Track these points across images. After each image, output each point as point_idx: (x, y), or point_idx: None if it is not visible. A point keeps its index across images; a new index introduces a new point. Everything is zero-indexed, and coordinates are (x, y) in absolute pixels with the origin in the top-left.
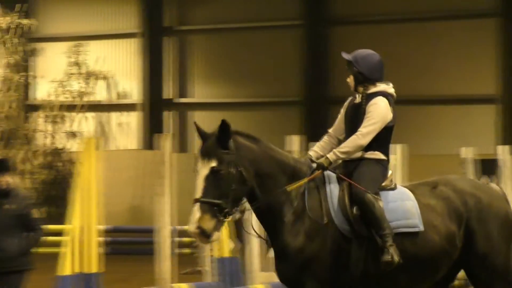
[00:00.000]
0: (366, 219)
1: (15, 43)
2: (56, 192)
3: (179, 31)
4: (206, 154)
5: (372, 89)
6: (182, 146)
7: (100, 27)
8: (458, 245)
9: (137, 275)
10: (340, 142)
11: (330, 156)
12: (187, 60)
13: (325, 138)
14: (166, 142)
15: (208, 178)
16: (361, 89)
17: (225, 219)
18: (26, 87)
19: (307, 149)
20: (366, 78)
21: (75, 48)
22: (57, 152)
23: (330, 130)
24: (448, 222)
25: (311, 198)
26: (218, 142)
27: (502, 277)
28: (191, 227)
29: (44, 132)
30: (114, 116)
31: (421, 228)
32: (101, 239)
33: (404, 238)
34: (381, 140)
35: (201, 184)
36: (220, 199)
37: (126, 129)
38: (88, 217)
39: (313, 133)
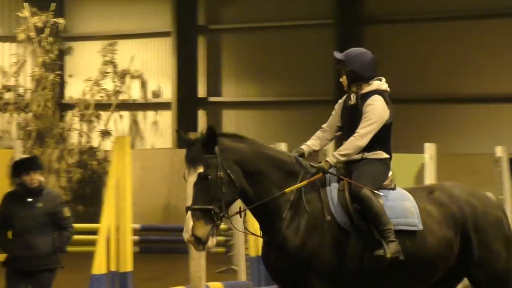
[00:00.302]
0: (365, 215)
1: (48, 42)
2: (90, 191)
3: (211, 30)
4: (192, 160)
5: (366, 88)
6: None
7: (132, 26)
8: (455, 251)
9: (170, 274)
10: (333, 138)
11: (331, 159)
12: (219, 59)
13: (319, 133)
14: None
15: (197, 185)
16: (354, 88)
17: (220, 223)
18: (60, 86)
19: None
20: (359, 77)
21: (108, 47)
22: (91, 151)
23: (324, 126)
24: (445, 228)
25: (310, 194)
26: (203, 148)
27: (505, 282)
28: (186, 235)
29: (79, 131)
30: (147, 115)
31: (420, 227)
32: (134, 237)
33: (403, 236)
34: (382, 139)
35: (190, 191)
36: (211, 204)
37: (159, 128)
38: (122, 215)
39: None
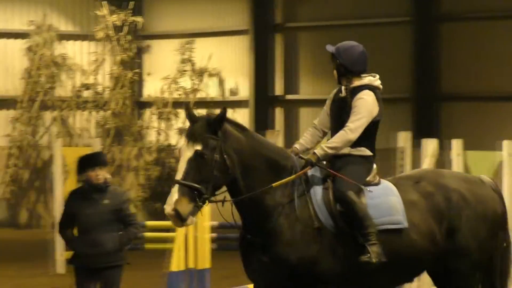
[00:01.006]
0: (349, 217)
1: (126, 40)
2: (168, 189)
3: (287, 28)
4: (192, 136)
5: (357, 82)
6: (289, 142)
7: (209, 24)
8: (440, 242)
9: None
10: (325, 134)
11: (318, 151)
12: (295, 57)
13: (310, 129)
14: (277, 139)
15: (191, 161)
16: (344, 81)
17: (203, 205)
18: (138, 84)
19: (415, 145)
20: (348, 71)
21: (186, 45)
22: (169, 149)
23: (315, 122)
24: (429, 219)
25: (300, 197)
26: (207, 126)
27: (485, 273)
28: (167, 208)
29: (157, 129)
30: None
31: (405, 224)
32: (212, 235)
33: (388, 234)
34: (367, 135)
35: (183, 166)
36: (200, 183)
37: None
38: (199, 213)
39: (422, 130)
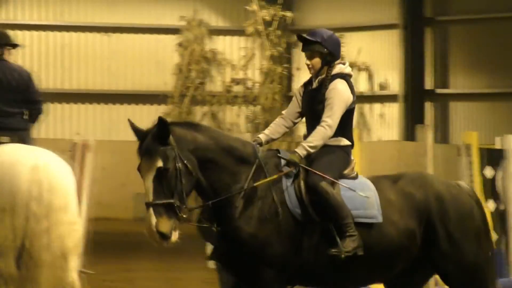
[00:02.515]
0: (322, 209)
1: (276, 35)
2: None
3: (440, 21)
4: (148, 153)
5: (333, 71)
6: (443, 137)
7: (359, 18)
8: (418, 242)
9: None
10: (292, 125)
11: (300, 151)
12: (448, 50)
13: (277, 120)
14: (428, 133)
15: (156, 179)
16: (325, 70)
17: (181, 216)
18: (288, 78)
19: None
20: (334, 58)
21: None
22: None
23: (284, 112)
24: (407, 218)
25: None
26: (157, 139)
27: (473, 276)
28: (149, 233)
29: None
30: (374, 107)
31: (379, 219)
32: None
33: (363, 228)
34: (343, 125)
35: (150, 186)
36: (172, 197)
37: (387, 120)
38: None
39: None
